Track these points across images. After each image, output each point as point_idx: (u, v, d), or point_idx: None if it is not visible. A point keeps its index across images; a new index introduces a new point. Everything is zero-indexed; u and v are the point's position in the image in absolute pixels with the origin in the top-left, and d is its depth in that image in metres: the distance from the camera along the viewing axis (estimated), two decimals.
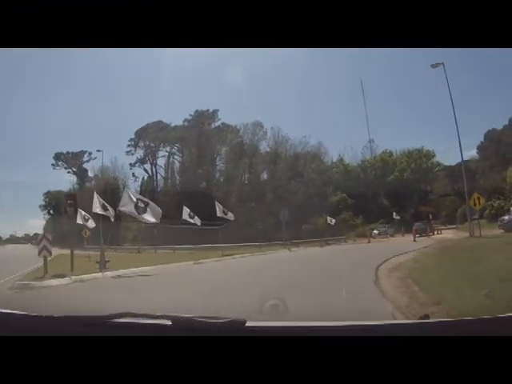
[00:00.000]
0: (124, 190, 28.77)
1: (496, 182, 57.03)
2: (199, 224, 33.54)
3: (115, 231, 52.85)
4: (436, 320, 2.76)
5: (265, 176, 70.27)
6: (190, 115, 70.72)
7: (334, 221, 50.88)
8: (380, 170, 64.68)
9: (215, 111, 71.64)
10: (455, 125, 37.74)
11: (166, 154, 73.17)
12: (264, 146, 69.19)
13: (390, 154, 66.81)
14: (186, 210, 32.96)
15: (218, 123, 71.06)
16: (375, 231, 52.71)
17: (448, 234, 43.56)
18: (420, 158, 64.60)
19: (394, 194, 60.81)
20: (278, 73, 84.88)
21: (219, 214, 33.37)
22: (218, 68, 79.19)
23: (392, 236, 47.75)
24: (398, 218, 55.96)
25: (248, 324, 2.29)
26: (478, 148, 71.52)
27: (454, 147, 42.35)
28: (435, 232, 48.15)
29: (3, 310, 2.60)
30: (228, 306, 7.80)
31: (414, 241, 34.76)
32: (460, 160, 46.90)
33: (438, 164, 65.25)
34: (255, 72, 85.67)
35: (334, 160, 69.76)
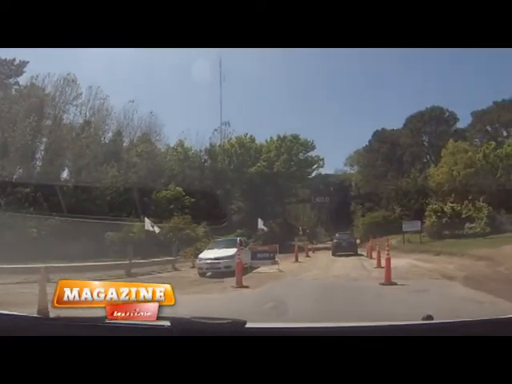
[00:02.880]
0: None
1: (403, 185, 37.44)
2: None
3: None
4: (439, 321, 2.60)
5: (67, 155, 43.18)
6: None
7: (156, 228, 26.64)
8: (238, 158, 41.76)
9: (24, 63, 43.50)
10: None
11: None
12: (74, 112, 42.21)
13: (253, 138, 44.07)
14: None
15: (24, 78, 43.89)
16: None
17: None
18: (296, 148, 43.12)
19: (256, 194, 38.91)
20: None
21: None
22: None
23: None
24: (265, 228, 33.50)
25: (248, 325, 2.22)
26: (365, 149, 53.93)
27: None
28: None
29: None
30: None
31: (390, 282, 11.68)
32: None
33: (320, 159, 44.30)
34: None
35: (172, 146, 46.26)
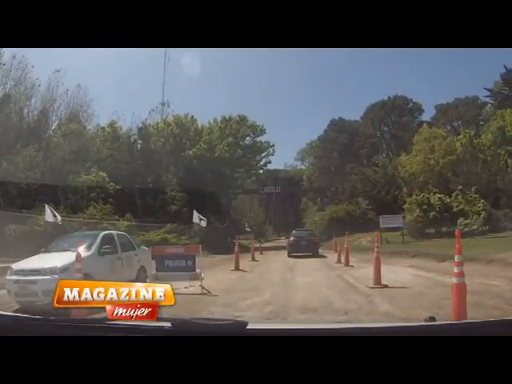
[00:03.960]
0: None
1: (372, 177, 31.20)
2: None
3: None
4: (442, 322, 2.62)
5: None
6: None
7: (59, 219, 18.83)
8: (174, 139, 34.66)
9: None
10: None
11: None
12: None
13: (194, 119, 37.00)
14: None
15: None
16: None
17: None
18: (243, 130, 36.47)
19: (194, 182, 32.39)
20: None
21: None
22: None
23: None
24: (201, 223, 26.71)
25: (250, 326, 2.01)
26: (320, 140, 48.09)
27: None
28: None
29: None
30: None
31: None
32: None
33: (270, 145, 37.65)
34: None
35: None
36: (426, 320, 2.49)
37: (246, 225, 38.60)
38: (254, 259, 18.29)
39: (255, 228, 43.69)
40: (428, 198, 22.35)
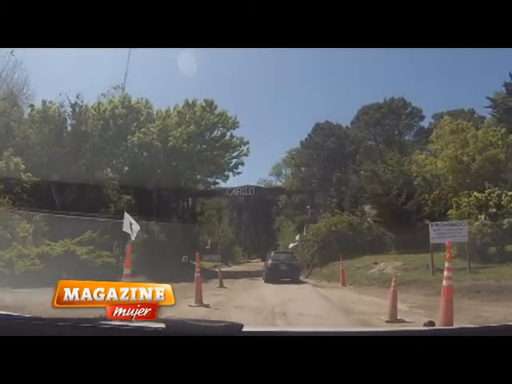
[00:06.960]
0: None
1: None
2: None
3: None
4: (441, 328, 2.67)
5: None
6: None
7: None
8: (116, 121, 25.94)
9: None
10: None
11: None
12: None
13: (149, 105, 28.51)
14: None
15: None
16: None
17: None
18: (209, 118, 27.87)
19: (137, 177, 24.15)
20: None
21: None
22: None
23: None
24: (132, 233, 17.76)
25: (245, 329, 1.98)
26: (304, 145, 40.29)
27: None
28: None
29: None
30: None
31: None
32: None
33: (244, 143, 29.28)
34: None
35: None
36: (425, 324, 2.46)
37: (208, 242, 30.09)
38: (200, 302, 9.10)
39: (220, 247, 34.93)
40: (499, 196, 13.76)
